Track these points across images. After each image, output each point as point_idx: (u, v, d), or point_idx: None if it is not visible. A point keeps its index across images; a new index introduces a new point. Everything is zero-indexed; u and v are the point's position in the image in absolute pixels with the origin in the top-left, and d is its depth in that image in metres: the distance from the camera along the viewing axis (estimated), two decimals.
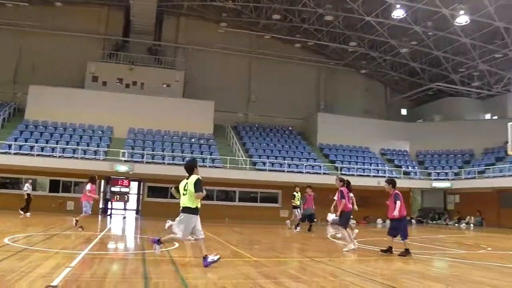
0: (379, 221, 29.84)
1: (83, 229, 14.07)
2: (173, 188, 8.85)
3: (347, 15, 32.12)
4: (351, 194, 12.56)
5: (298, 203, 20.58)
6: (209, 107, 33.19)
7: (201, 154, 29.38)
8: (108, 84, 33.08)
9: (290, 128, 37.95)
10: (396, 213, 10.44)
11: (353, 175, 30.85)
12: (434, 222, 32.94)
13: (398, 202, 10.49)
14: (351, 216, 12.65)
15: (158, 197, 29.06)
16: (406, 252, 10.51)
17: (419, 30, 31.90)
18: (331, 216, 27.12)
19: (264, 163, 30.07)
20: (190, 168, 8.38)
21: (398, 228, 10.73)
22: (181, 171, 25.63)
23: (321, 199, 30.51)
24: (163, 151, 28.65)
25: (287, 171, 29.80)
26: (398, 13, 29.17)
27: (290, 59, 39.12)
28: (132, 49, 35.23)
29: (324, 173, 30.57)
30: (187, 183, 8.20)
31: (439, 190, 34.32)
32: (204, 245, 8.24)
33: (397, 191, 10.77)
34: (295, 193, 20.76)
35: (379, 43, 35.99)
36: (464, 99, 40.87)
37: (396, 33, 33.88)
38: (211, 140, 32.15)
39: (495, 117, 38.77)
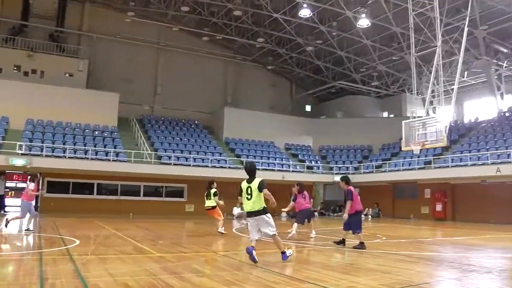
0: (283, 214, 30.73)
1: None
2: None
3: (256, 11, 32.57)
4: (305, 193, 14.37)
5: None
6: (113, 99, 32.13)
7: (105, 147, 28.41)
8: (3, 71, 30.77)
9: (196, 122, 37.79)
10: (349, 208, 11.00)
11: (258, 169, 31.39)
12: (336, 214, 34.43)
13: (349, 202, 10.98)
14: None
15: (58, 192, 27.66)
16: (361, 245, 10.82)
17: (325, 30, 33.17)
18: (236, 210, 27.57)
19: (169, 157, 29.72)
20: (254, 171, 8.64)
21: (353, 222, 11.07)
22: (83, 165, 24.65)
23: (226, 193, 30.81)
24: (64, 144, 27.26)
25: (193, 165, 29.70)
26: (305, 12, 30.07)
27: (198, 53, 38.91)
28: (32, 34, 32.87)
29: (229, 167, 30.88)
30: (249, 187, 8.44)
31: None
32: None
33: (350, 187, 11.18)
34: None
35: (286, 40, 36.91)
36: (364, 97, 43.20)
37: (302, 32, 34.96)
38: (115, 133, 31.20)
39: (392, 115, 41.37)
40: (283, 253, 8.54)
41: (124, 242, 11.90)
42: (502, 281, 7.16)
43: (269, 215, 8.57)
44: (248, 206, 8.50)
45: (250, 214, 8.57)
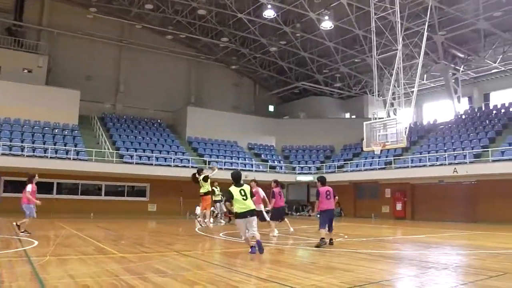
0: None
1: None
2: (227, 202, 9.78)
3: (220, 10, 32.51)
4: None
5: (219, 198, 20.47)
6: (74, 96, 31.49)
7: (65, 145, 27.78)
8: None
9: (159, 121, 37.44)
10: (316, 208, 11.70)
11: (221, 168, 31.37)
12: (298, 214, 34.72)
13: (317, 201, 11.61)
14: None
15: (16, 192, 26.67)
16: (321, 241, 11.19)
17: (288, 31, 33.42)
18: (198, 209, 27.42)
19: (131, 156, 29.36)
20: (240, 178, 9.58)
21: (320, 219, 11.61)
22: (42, 163, 23.98)
23: (189, 192, 30.66)
24: (22, 142, 26.52)
25: (155, 165, 29.45)
26: (269, 13, 30.21)
27: (161, 51, 38.58)
28: None
29: (192, 167, 30.66)
30: (242, 189, 9.29)
31: (303, 183, 36.29)
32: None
33: (319, 188, 11.69)
34: (214, 188, 20.30)
35: (250, 40, 36.99)
36: (327, 98, 43.74)
37: (266, 32, 35.11)
38: (76, 131, 30.59)
39: (354, 116, 42.03)
40: (259, 243, 9.14)
41: (84, 242, 11.68)
42: (458, 277, 7.40)
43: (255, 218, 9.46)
44: (244, 205, 9.18)
45: (246, 214, 9.18)
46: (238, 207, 9.19)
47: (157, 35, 37.95)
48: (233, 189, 9.30)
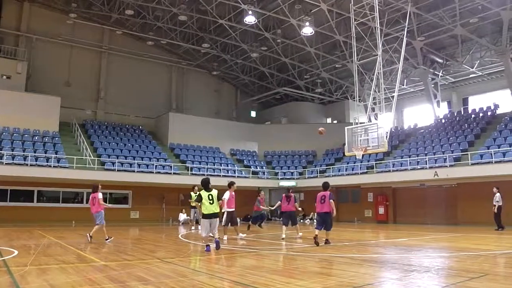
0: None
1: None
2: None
3: (201, 16, 32.56)
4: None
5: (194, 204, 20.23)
6: (54, 103, 31.09)
7: (45, 153, 27.41)
8: None
9: (140, 127, 37.15)
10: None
11: (203, 175, 31.35)
12: (281, 219, 34.64)
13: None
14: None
15: None
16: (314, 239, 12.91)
17: (269, 37, 33.58)
18: (182, 216, 27.35)
19: (113, 163, 29.08)
20: (209, 184, 11.17)
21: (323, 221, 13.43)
22: (22, 171, 23.63)
23: (171, 198, 30.56)
24: (1, 150, 26.03)
25: (137, 171, 29.22)
26: (250, 19, 30.28)
27: (142, 57, 38.44)
28: None
29: (174, 173, 30.59)
30: (210, 194, 10.99)
31: (285, 188, 36.23)
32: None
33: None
34: (192, 193, 20.06)
35: (231, 46, 37.05)
36: (308, 103, 43.96)
37: (247, 38, 35.22)
38: (57, 138, 30.19)
39: (335, 122, 42.31)
40: (208, 246, 11.10)
41: (66, 251, 11.53)
42: (439, 279, 7.48)
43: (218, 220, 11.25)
44: (211, 209, 10.95)
45: (211, 215, 10.98)
46: (204, 209, 10.95)
47: (137, 41, 37.81)
48: (203, 194, 11.02)
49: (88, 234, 14.20)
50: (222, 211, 14.99)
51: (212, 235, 11.25)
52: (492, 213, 20.07)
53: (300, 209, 17.28)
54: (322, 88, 41.48)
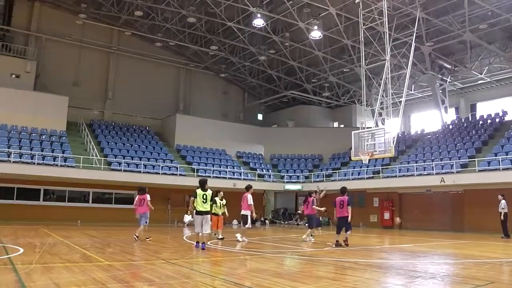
0: (235, 222, 30.66)
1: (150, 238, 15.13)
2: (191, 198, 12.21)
3: (210, 19, 32.63)
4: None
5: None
6: (62, 102, 31.25)
7: (52, 152, 27.53)
8: None
9: (147, 128, 37.25)
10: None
11: (209, 176, 31.38)
12: (286, 222, 34.68)
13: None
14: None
15: (2, 198, 26.16)
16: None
17: (277, 40, 33.59)
18: (187, 218, 27.35)
19: (119, 163, 29.17)
20: (205, 185, 12.32)
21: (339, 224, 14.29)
22: (29, 169, 23.75)
23: (177, 200, 30.59)
24: (8, 148, 26.20)
25: (143, 172, 29.28)
26: (258, 22, 30.28)
27: (150, 58, 38.54)
28: None
29: (180, 175, 30.62)
30: (205, 194, 12.12)
31: (291, 192, 36.30)
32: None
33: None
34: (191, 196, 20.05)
35: (239, 49, 37.08)
36: (316, 107, 43.90)
37: (255, 41, 35.24)
38: (64, 138, 30.34)
39: (342, 126, 42.23)
40: (204, 243, 12.19)
41: (71, 250, 11.57)
42: (445, 286, 7.44)
43: (209, 217, 12.45)
44: (203, 207, 12.03)
45: (202, 212, 12.04)
46: (198, 207, 12.02)
47: (146, 42, 37.94)
48: (199, 192, 12.13)
49: (135, 235, 15.00)
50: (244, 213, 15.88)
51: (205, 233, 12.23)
52: (499, 221, 19.94)
53: (322, 210, 17.35)
54: (330, 92, 41.41)
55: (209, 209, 12.32)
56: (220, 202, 16.21)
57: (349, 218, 13.67)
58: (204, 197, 12.05)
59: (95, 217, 27.24)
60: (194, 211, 12.32)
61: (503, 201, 19.99)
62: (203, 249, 11.95)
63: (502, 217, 19.82)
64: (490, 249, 14.78)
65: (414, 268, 9.54)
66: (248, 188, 16.17)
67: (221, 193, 16.57)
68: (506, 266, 10.35)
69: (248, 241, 15.54)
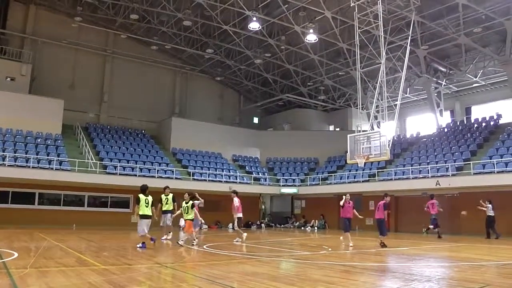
0: (231, 225, 30.64)
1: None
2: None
3: (206, 22, 32.66)
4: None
5: (170, 208, 18.36)
6: (58, 106, 31.12)
7: (48, 155, 27.44)
8: None
9: (143, 131, 37.16)
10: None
11: (205, 180, 31.41)
12: (282, 226, 34.64)
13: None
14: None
15: None
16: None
17: (273, 43, 33.64)
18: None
19: (115, 167, 29.05)
20: (147, 190, 13.65)
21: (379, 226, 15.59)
22: (23, 173, 23.68)
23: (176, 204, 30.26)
24: (3, 151, 26.04)
25: (139, 176, 29.18)
26: (254, 25, 30.33)
27: (146, 61, 38.51)
28: None
29: (176, 178, 30.53)
30: (147, 199, 13.29)
31: (287, 195, 36.29)
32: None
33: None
34: (163, 195, 18.85)
35: (235, 52, 37.12)
36: (311, 110, 43.96)
37: (251, 44, 35.28)
38: (59, 141, 30.20)
39: (338, 129, 42.28)
40: (143, 242, 13.30)
41: (66, 254, 11.52)
42: None
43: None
44: (147, 211, 13.29)
45: (149, 216, 13.30)
46: (142, 211, 13.11)
47: (142, 45, 37.92)
48: (142, 197, 13.25)
49: (177, 242, 15.32)
50: (237, 216, 16.63)
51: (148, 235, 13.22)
52: (494, 221, 20.72)
53: (357, 214, 17.35)
54: (325, 95, 41.47)
55: (150, 213, 13.37)
56: (186, 206, 14.99)
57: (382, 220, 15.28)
58: (147, 201, 13.27)
59: (90, 221, 27.14)
60: (138, 216, 13.22)
61: (489, 205, 21.55)
62: (143, 248, 13.11)
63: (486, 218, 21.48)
64: (485, 252, 14.81)
65: (410, 271, 9.55)
66: (235, 192, 17.45)
67: (186, 195, 15.58)
68: (501, 268, 10.37)
69: (241, 241, 15.91)
